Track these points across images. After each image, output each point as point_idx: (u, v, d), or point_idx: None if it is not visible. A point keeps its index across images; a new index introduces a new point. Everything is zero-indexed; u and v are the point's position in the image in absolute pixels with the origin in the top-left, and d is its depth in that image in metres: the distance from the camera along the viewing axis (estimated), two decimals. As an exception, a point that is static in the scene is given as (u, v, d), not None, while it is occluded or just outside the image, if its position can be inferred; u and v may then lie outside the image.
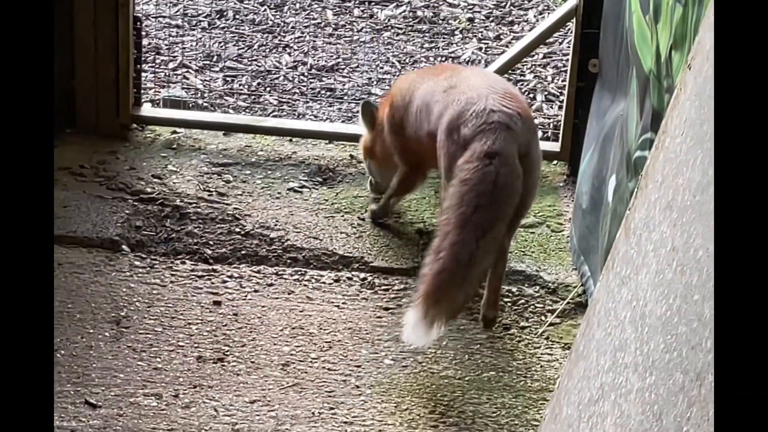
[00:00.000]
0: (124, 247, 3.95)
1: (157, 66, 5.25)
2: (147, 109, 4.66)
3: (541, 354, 3.66)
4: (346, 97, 5.14)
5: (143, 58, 4.69)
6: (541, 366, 3.60)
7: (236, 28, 5.65)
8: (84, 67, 4.45)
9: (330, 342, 3.62)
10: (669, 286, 2.33)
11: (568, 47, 5.36)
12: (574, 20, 4.42)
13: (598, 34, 4.25)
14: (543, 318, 3.82)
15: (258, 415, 3.30)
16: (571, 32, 4.62)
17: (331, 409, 3.35)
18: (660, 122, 2.81)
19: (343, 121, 4.94)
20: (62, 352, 3.45)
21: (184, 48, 5.43)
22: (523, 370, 3.58)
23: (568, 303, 3.88)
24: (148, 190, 4.24)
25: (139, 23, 4.56)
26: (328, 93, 5.16)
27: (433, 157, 3.72)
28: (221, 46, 5.48)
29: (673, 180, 2.50)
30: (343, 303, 3.81)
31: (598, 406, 2.58)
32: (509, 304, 3.87)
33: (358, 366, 3.53)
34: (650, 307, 2.41)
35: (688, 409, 2.05)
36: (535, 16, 5.79)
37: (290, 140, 4.67)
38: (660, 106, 3.14)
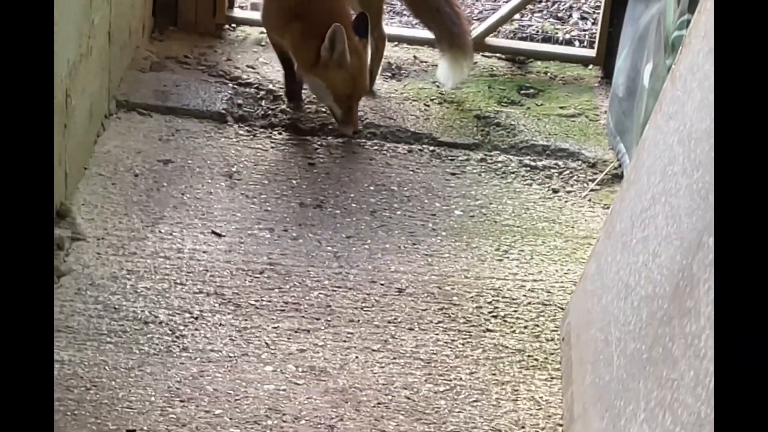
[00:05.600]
0: (229, 119, 4.49)
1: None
2: (239, 11, 5.20)
3: (585, 211, 4.21)
4: (404, 12, 5.66)
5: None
6: (585, 220, 4.16)
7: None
8: (187, -29, 4.99)
9: (408, 196, 4.17)
10: (713, 104, 2.87)
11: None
12: (612, -60, 4.95)
13: (633, -47, 4.79)
14: (585, 185, 4.37)
15: (354, 247, 3.85)
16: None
17: (414, 245, 3.91)
18: (696, 5, 3.36)
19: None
20: (187, 195, 4.00)
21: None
22: (571, 222, 4.14)
23: (606, 174, 4.42)
24: (244, 77, 4.77)
25: (236, -66, 5.10)
26: (390, 7, 5.69)
27: None
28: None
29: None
30: (416, 168, 4.35)
31: (649, 211, 3.12)
32: (556, 174, 4.41)
33: (433, 215, 4.08)
34: (696, 126, 2.95)
35: (731, 183, 2.59)
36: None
37: (360, 42, 5.19)
38: (697, -10, 3.68)
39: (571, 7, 5.77)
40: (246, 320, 3.45)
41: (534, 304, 3.68)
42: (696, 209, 2.76)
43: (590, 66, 5.20)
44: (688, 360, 2.53)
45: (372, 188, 4.19)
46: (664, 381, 2.62)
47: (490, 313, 3.62)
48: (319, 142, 4.43)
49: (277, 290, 3.60)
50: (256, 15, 5.18)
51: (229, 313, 3.47)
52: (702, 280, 2.59)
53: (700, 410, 2.37)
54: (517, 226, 4.07)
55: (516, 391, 3.32)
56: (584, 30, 5.55)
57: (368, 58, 4.50)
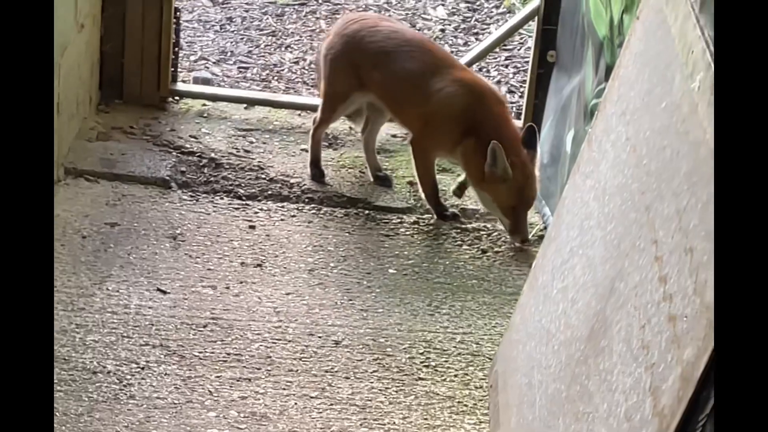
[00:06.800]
0: (173, 185, 4.66)
1: (181, 58, 5.95)
2: (182, 85, 5.39)
3: (512, 270, 4.41)
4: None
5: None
6: (513, 278, 4.35)
7: (244, 32, 6.40)
8: (132, 48, 5.16)
9: (344, 256, 4.35)
10: (624, 162, 3.08)
11: (526, 52, 6.19)
12: (536, 18, 5.19)
13: (556, 30, 5.04)
14: (513, 246, 4.57)
15: (293, 303, 4.02)
16: (533, 31, 5.40)
17: (350, 300, 4.08)
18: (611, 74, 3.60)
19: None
20: (134, 256, 4.15)
21: (202, 45, 6.17)
22: (499, 280, 4.33)
23: (533, 236, 4.63)
24: (188, 146, 4.95)
25: (179, 13, 5.29)
26: (326, 82, 5.91)
27: None
28: (233, 45, 6.22)
29: (626, 94, 3.27)
30: (352, 230, 4.53)
31: (568, 263, 3.32)
32: (485, 235, 4.61)
33: (368, 273, 4.26)
34: (609, 182, 3.16)
35: (639, 231, 2.80)
36: (496, 28, 6.57)
37: (299, 114, 5.39)
38: (612, 60, 3.92)
39: (499, 82, 6.02)
40: (190, 370, 3.61)
41: (464, 354, 3.86)
42: (609, 258, 2.96)
43: (517, 136, 5.42)
44: (602, 394, 2.71)
45: (310, 249, 4.37)
46: (581, 415, 2.80)
47: (422, 363, 3.79)
48: (259, 207, 4.61)
49: (219, 342, 3.76)
50: (199, 88, 5.39)
51: (173, 364, 3.62)
52: (614, 321, 2.79)
53: (613, 438, 2.56)
54: (448, 284, 4.26)
55: (446, 434, 3.49)
56: (512, 103, 5.79)
57: (536, 169, 4.56)
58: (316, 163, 4.88)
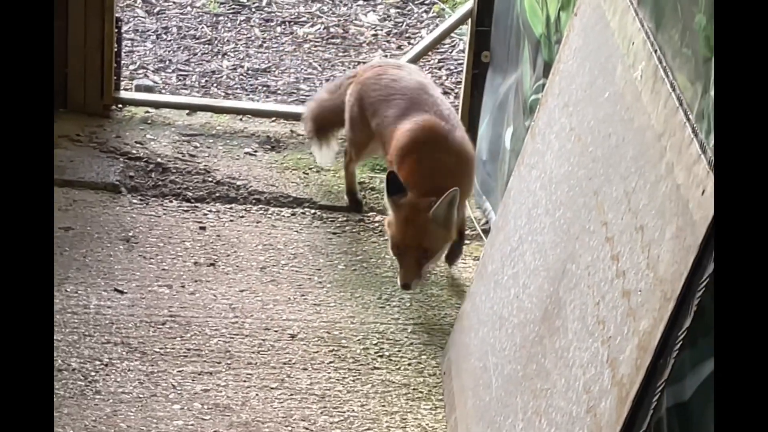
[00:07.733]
0: (122, 189, 4.72)
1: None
2: (125, 93, 5.45)
3: (457, 263, 4.53)
4: (279, 92, 5.98)
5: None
6: (459, 270, 4.47)
7: (180, 40, 6.46)
8: (76, 57, 5.21)
9: (294, 254, 4.44)
10: (569, 151, 3.21)
11: (458, 54, 6.32)
12: (470, 20, 5.32)
13: (490, 31, 5.18)
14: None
15: (247, 299, 4.11)
16: (464, 34, 5.53)
17: (303, 296, 4.17)
18: (550, 69, 3.73)
19: (281, 107, 5.78)
20: (89, 258, 4.22)
21: (141, 55, 6.23)
22: (445, 272, 4.44)
23: (474, 230, 4.75)
24: (134, 152, 5.01)
25: (120, 23, 5.36)
26: (265, 88, 6.00)
27: None
28: (171, 54, 6.29)
29: (568, 87, 3.40)
30: (300, 229, 4.63)
31: (518, 250, 3.44)
32: (429, 231, 4.73)
33: (319, 270, 4.36)
34: (555, 171, 3.29)
35: (588, 214, 2.93)
36: (428, 32, 6.70)
37: (240, 119, 5.47)
38: (550, 57, 4.05)
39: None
40: (152, 365, 3.68)
41: (416, 344, 3.97)
42: (559, 242, 3.08)
43: (454, 135, 5.53)
44: (559, 370, 2.83)
45: (260, 248, 4.45)
46: (539, 392, 2.92)
47: (376, 353, 3.90)
48: (208, 209, 4.68)
49: (179, 338, 3.84)
50: (142, 96, 5.46)
51: (136, 360, 3.70)
52: (568, 301, 2.91)
53: (572, 410, 2.67)
54: (396, 278, 4.35)
55: (404, 420, 3.60)
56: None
57: (430, 217, 4.08)
58: (352, 194, 4.83)
